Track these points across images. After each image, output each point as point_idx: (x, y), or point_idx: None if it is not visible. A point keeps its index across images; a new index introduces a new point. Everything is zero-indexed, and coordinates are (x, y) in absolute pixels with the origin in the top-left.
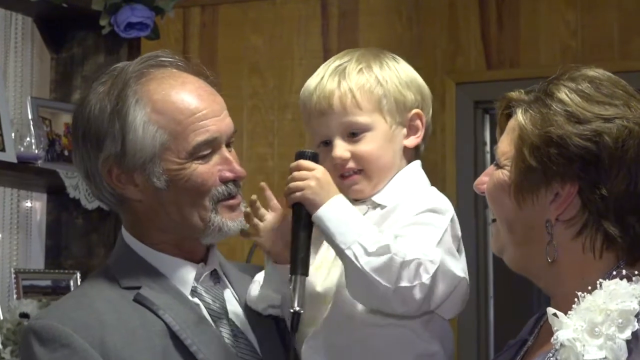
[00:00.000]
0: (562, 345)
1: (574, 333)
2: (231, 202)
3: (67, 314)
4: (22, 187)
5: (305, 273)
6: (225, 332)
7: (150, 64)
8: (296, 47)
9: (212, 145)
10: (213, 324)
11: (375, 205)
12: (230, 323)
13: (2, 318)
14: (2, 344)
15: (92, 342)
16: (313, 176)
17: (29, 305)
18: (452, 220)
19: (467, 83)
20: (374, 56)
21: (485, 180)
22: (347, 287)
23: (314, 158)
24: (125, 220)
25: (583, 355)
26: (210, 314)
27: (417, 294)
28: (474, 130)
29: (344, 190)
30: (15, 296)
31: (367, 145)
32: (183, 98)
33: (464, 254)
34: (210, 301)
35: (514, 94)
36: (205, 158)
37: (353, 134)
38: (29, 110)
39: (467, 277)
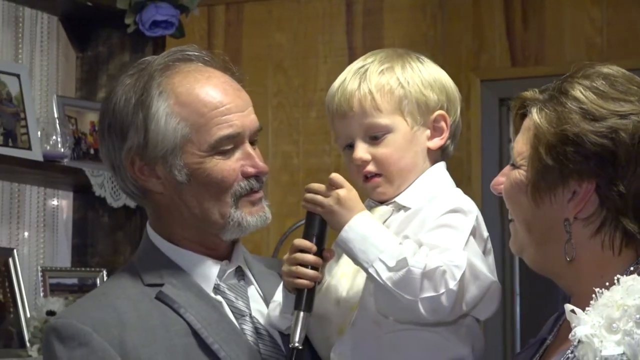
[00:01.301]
0: (579, 341)
1: (591, 329)
2: (252, 196)
3: (88, 312)
4: (49, 185)
5: (309, 310)
6: (248, 330)
7: (176, 58)
8: (321, 45)
9: (234, 141)
10: (235, 322)
11: (400, 207)
12: (254, 321)
13: (29, 316)
14: (29, 341)
15: (111, 341)
16: (336, 195)
17: (56, 304)
18: (477, 220)
19: (492, 80)
20: (397, 57)
21: (502, 181)
22: (375, 304)
23: None
24: (150, 215)
25: (601, 351)
26: (233, 312)
27: (445, 301)
28: (499, 127)
29: (368, 192)
30: (42, 294)
31: (387, 148)
32: (207, 91)
33: (492, 255)
34: (233, 299)
35: (528, 94)
36: (226, 154)
37: (374, 137)
38: (54, 108)
39: (496, 277)
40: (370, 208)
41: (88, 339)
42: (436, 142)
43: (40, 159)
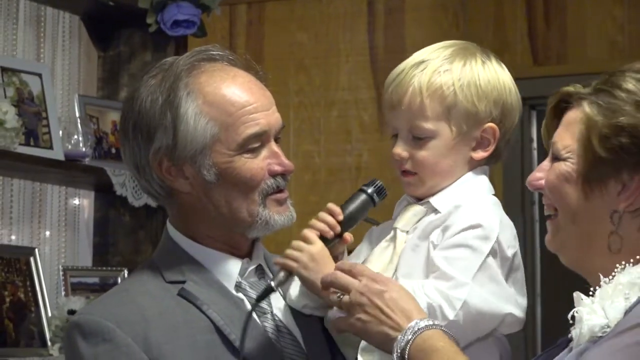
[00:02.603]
0: (573, 318)
1: (588, 307)
2: (279, 195)
3: (111, 309)
4: (70, 184)
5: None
6: (269, 327)
7: (201, 58)
8: (342, 44)
9: (261, 139)
10: (257, 319)
11: (433, 209)
12: (275, 318)
13: (50, 315)
14: (51, 340)
15: (135, 338)
16: (308, 252)
17: (77, 303)
18: (498, 239)
19: (514, 79)
20: (461, 57)
21: (540, 176)
22: None
23: (380, 192)
24: (172, 214)
25: (587, 322)
26: (254, 310)
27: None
28: (521, 126)
29: (403, 185)
30: (63, 293)
31: (426, 152)
32: (234, 91)
33: (521, 271)
34: (255, 296)
35: (572, 88)
36: (254, 152)
37: (417, 137)
38: (76, 108)
39: (521, 301)
40: (407, 205)
41: (112, 335)
42: (479, 154)
43: (62, 158)
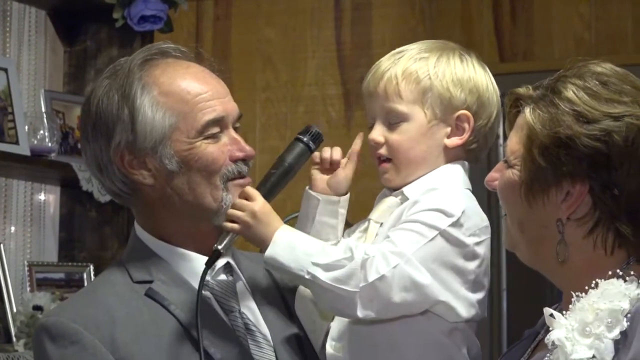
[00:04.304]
0: (553, 344)
1: (566, 333)
2: (242, 181)
3: (78, 310)
4: (36, 180)
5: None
6: (237, 325)
7: (153, 53)
8: (309, 40)
9: (219, 124)
10: (225, 318)
11: (405, 199)
12: (243, 317)
13: (15, 311)
14: (16, 336)
15: (102, 339)
16: (251, 210)
17: (43, 298)
18: (457, 224)
19: None
20: (440, 49)
21: (495, 177)
22: (319, 305)
23: (317, 138)
24: (138, 213)
25: (571, 355)
26: (222, 308)
27: (381, 288)
28: None
29: (380, 177)
30: (28, 289)
31: (400, 136)
32: (189, 80)
33: (477, 262)
34: (222, 294)
35: (522, 90)
36: (214, 138)
37: (392, 121)
38: (42, 103)
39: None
40: (383, 197)
41: (79, 337)
42: (454, 141)
43: (28, 153)
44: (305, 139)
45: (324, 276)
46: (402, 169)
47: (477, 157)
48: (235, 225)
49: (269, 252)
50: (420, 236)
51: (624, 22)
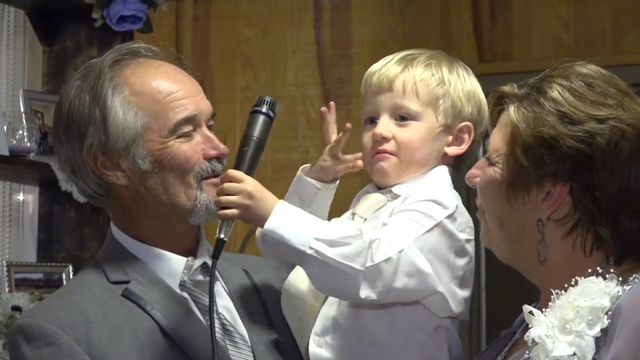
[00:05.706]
0: (533, 342)
1: (546, 330)
2: (216, 180)
3: (53, 312)
4: (14, 180)
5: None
6: (215, 326)
7: (123, 53)
8: (289, 40)
9: (192, 123)
10: (202, 318)
11: (395, 197)
12: (221, 317)
13: None
14: None
15: (77, 340)
16: (244, 191)
17: (21, 299)
18: (452, 218)
19: None
20: (447, 59)
21: (477, 174)
22: (315, 285)
23: (274, 106)
24: (113, 214)
25: (552, 352)
26: (199, 308)
27: (386, 269)
28: None
29: (372, 167)
30: (7, 289)
31: (411, 134)
32: (160, 79)
33: (466, 260)
34: (200, 295)
35: (507, 88)
36: (187, 136)
37: (402, 118)
38: (21, 103)
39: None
40: (367, 193)
41: (55, 337)
42: (453, 150)
43: (6, 153)
44: (264, 110)
45: (329, 252)
46: (403, 167)
47: (461, 166)
48: (235, 211)
49: (268, 224)
50: (419, 225)
51: (602, 23)
